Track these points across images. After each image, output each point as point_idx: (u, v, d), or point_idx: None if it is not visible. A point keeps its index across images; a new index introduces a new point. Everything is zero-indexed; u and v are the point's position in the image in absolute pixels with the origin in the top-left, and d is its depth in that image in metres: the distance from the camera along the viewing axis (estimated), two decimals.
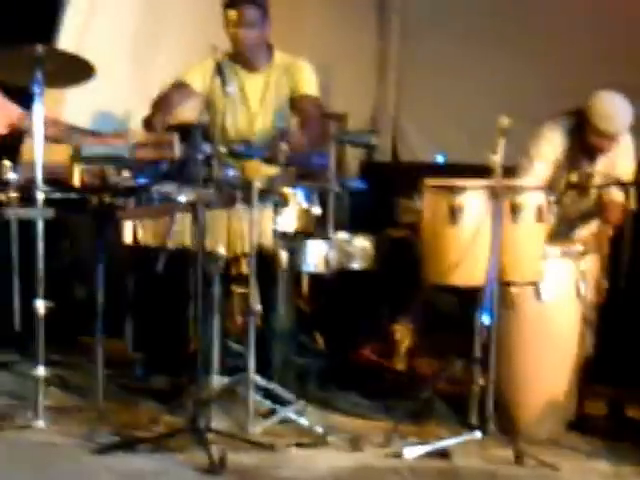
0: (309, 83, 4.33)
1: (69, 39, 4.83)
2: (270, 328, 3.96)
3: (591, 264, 4.00)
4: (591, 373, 4.01)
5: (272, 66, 4.35)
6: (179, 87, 4.36)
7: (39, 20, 4.68)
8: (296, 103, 4.31)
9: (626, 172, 4.21)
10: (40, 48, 3.76)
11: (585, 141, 4.20)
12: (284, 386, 3.90)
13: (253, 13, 4.22)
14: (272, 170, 3.93)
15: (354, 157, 5.47)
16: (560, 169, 4.24)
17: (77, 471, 3.39)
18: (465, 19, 5.63)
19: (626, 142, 4.26)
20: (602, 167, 4.24)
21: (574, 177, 4.25)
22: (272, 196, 3.75)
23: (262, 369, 3.80)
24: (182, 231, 3.78)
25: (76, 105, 5.17)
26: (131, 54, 5.40)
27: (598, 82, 4.58)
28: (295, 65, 4.34)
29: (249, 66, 4.35)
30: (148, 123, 4.27)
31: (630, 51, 5.02)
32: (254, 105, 4.34)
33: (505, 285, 3.71)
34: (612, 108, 4.14)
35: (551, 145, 4.22)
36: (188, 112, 4.42)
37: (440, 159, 5.31)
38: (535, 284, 3.78)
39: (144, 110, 5.45)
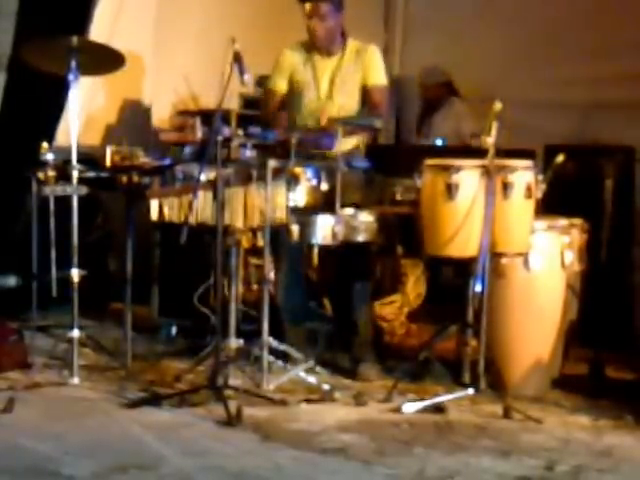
0: (378, 71, 4.28)
1: (100, 31, 4.83)
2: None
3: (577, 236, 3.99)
4: (574, 336, 4.02)
5: (344, 52, 4.29)
6: (271, 97, 4.36)
7: (73, 14, 4.67)
8: (366, 93, 4.25)
9: None
10: (75, 39, 3.78)
11: None
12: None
13: (325, 6, 4.16)
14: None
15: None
16: None
17: (108, 423, 3.42)
18: (462, 13, 5.61)
19: None
20: None
21: None
22: (284, 174, 3.75)
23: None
24: (203, 207, 3.79)
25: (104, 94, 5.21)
26: (154, 46, 5.40)
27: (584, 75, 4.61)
28: (366, 51, 4.27)
29: (323, 52, 4.30)
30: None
31: (622, 44, 4.96)
32: (324, 88, 4.28)
33: (496, 256, 3.71)
34: None
35: None
36: None
37: (439, 142, 5.28)
38: (524, 255, 3.78)
39: (166, 99, 5.47)
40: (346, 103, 4.24)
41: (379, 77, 4.29)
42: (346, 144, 3.99)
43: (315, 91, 4.30)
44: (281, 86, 4.35)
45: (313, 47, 4.30)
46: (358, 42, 4.32)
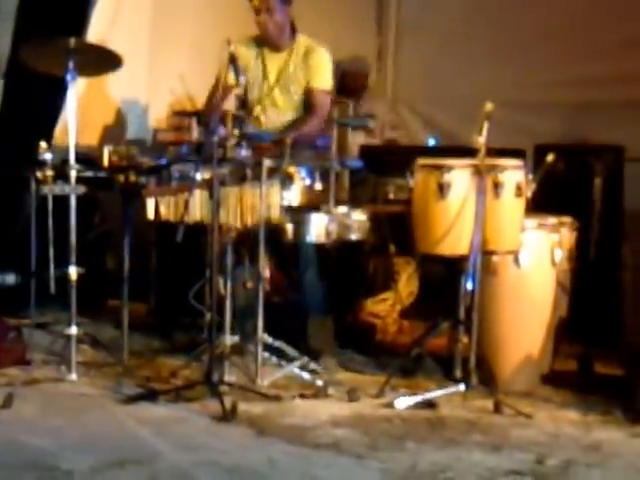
0: (322, 74, 4.27)
1: (97, 33, 4.84)
2: None
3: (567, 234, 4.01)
4: (564, 332, 4.02)
5: (293, 47, 4.29)
6: (217, 88, 4.33)
7: (71, 16, 4.68)
8: (307, 96, 4.26)
9: None
10: (72, 41, 3.77)
11: None
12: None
13: (271, 1, 4.18)
14: None
15: (355, 142, 5.49)
16: None
17: (106, 418, 3.43)
18: (453, 16, 5.62)
19: None
20: None
21: None
22: (279, 174, 3.76)
23: None
24: (199, 206, 3.80)
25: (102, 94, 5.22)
26: (150, 47, 5.40)
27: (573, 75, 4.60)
28: (313, 51, 4.26)
29: (272, 47, 4.31)
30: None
31: (611, 44, 4.99)
32: (271, 81, 4.29)
33: (487, 254, 3.72)
34: None
35: None
36: None
37: (432, 142, 5.30)
38: (514, 253, 3.79)
39: (163, 99, 5.48)
40: (288, 103, 4.24)
41: (323, 80, 4.27)
42: None
43: (263, 87, 4.31)
44: (230, 79, 4.22)
45: (262, 41, 4.30)
46: (309, 40, 4.31)
